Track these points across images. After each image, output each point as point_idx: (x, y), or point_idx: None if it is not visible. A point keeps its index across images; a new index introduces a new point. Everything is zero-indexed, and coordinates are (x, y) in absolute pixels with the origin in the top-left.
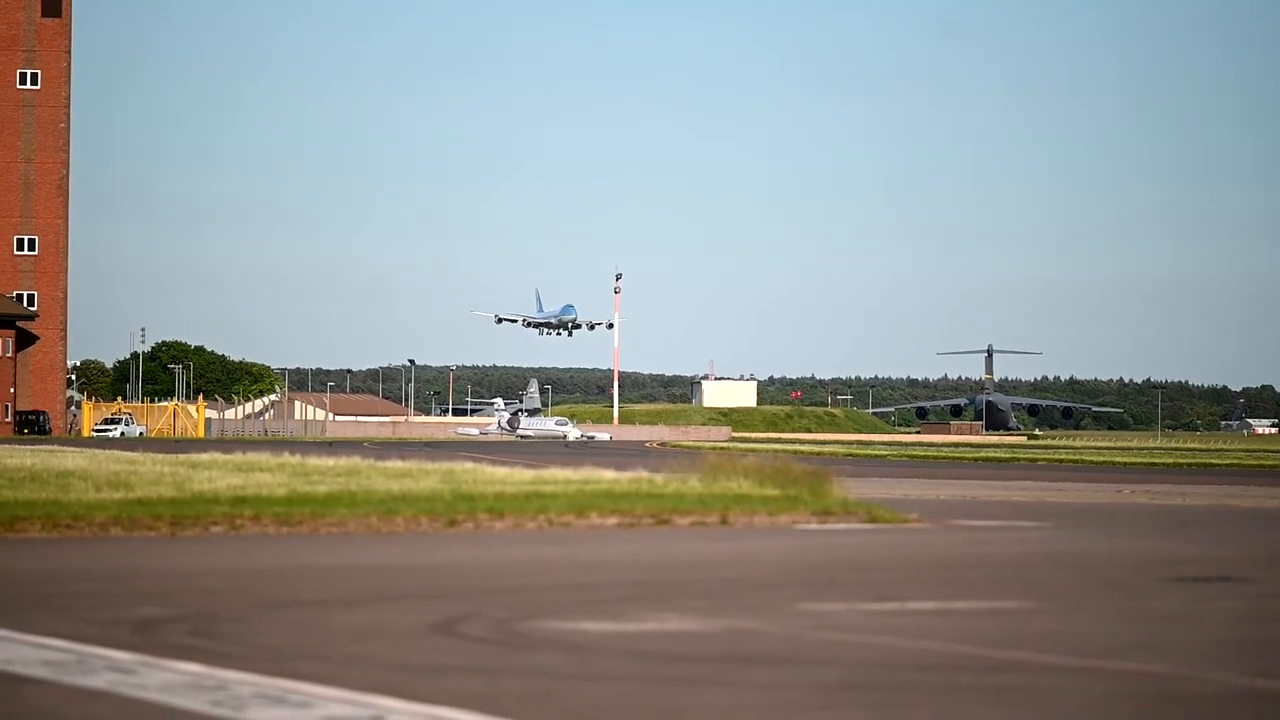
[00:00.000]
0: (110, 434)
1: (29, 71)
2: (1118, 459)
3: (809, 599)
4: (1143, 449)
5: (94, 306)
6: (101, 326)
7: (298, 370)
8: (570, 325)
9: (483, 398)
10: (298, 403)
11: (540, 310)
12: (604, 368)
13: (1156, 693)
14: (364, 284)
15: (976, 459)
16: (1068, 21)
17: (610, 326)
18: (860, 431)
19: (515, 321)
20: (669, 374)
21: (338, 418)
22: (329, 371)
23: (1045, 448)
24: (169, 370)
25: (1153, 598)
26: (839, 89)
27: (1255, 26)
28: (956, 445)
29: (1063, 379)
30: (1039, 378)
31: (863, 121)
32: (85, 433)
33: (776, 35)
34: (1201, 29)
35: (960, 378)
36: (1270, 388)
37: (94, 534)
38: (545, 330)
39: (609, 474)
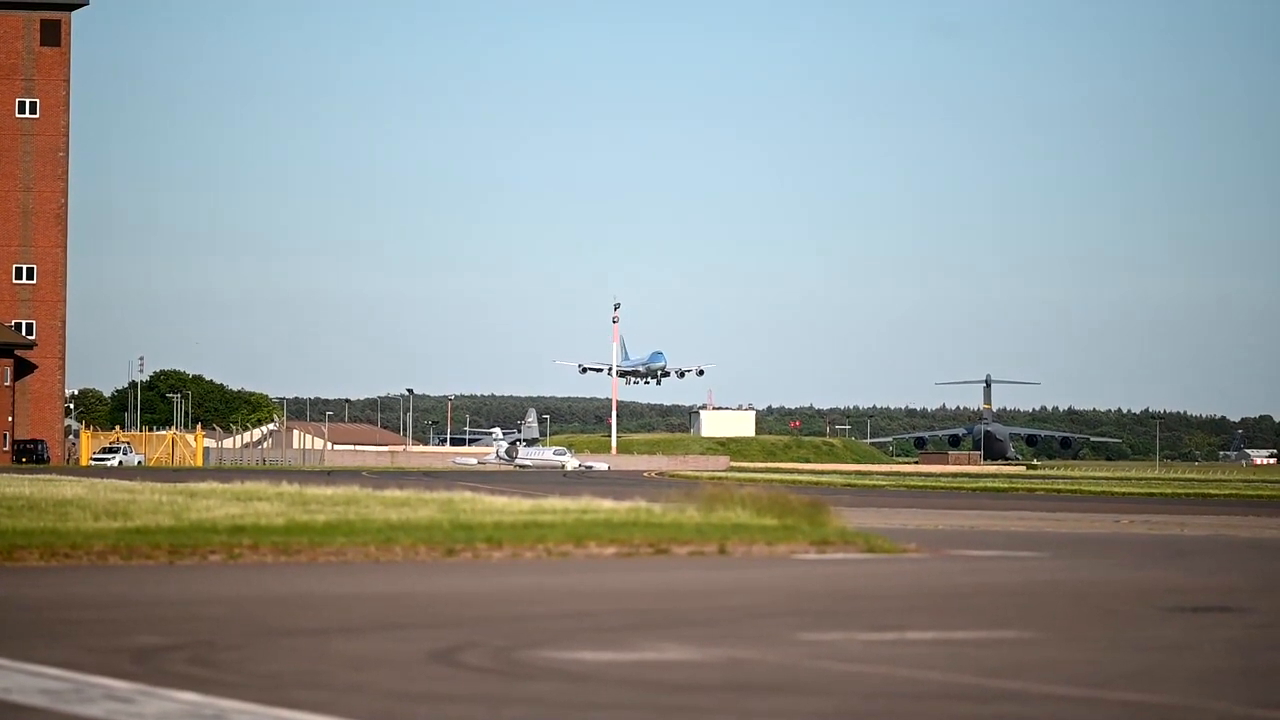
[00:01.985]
0: (108, 463)
1: (28, 100)
2: (1116, 489)
3: (807, 628)
4: (1141, 479)
5: (92, 335)
6: (100, 355)
7: (296, 399)
8: (660, 373)
9: (481, 427)
10: (296, 432)
11: (627, 358)
12: (602, 397)
13: None
14: (362, 313)
15: (975, 489)
16: (1069, 50)
17: (701, 373)
18: (858, 461)
19: (600, 371)
20: (667, 404)
21: (336, 447)
22: (327, 401)
23: (1043, 478)
24: (167, 399)
25: (1151, 627)
26: (839, 116)
27: (1258, 56)
28: (955, 475)
29: (1061, 409)
30: (1037, 408)
31: (862, 150)
32: (83, 461)
33: (774, 61)
34: (1200, 62)
35: (958, 408)
36: (1269, 418)
37: (92, 563)
38: (633, 380)
39: (607, 503)
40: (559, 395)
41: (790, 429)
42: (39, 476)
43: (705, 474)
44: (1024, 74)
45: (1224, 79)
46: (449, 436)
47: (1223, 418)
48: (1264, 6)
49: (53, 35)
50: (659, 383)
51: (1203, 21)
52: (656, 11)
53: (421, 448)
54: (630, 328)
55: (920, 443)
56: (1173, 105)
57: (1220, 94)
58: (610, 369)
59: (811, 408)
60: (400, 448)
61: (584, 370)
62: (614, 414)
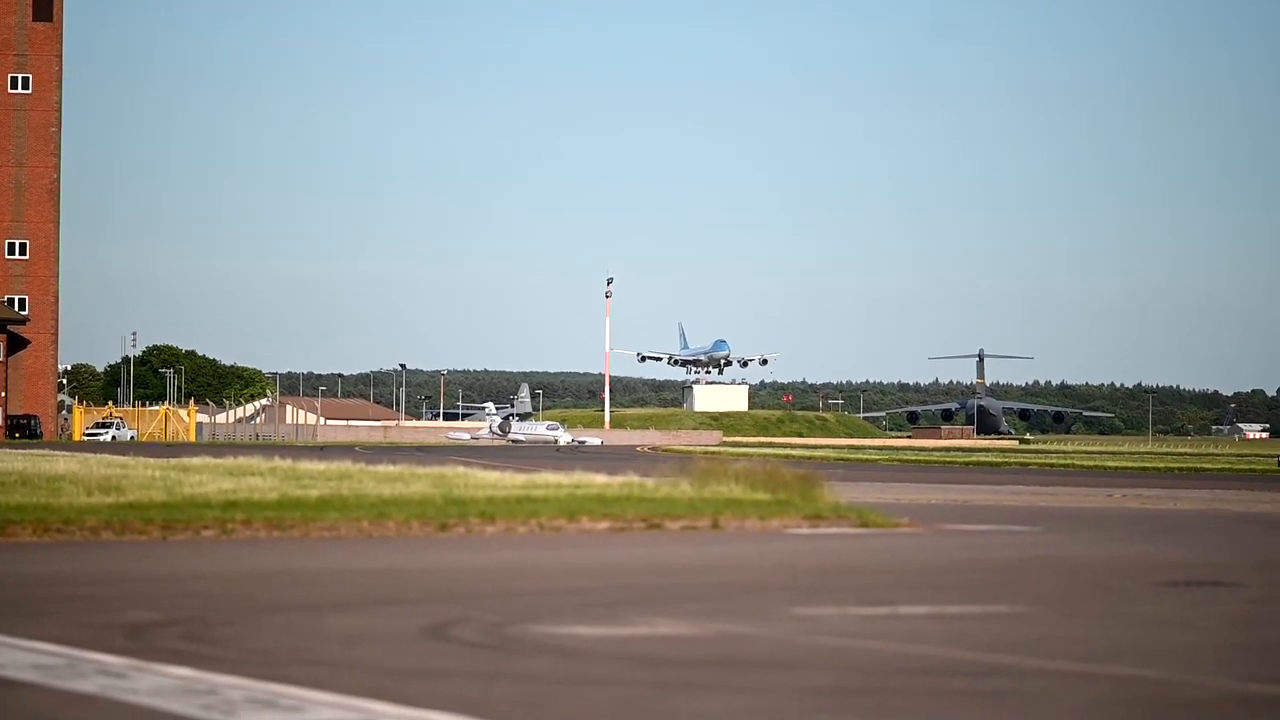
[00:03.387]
0: (101, 438)
1: (20, 76)
2: (1109, 463)
3: (800, 603)
4: (1134, 453)
5: (85, 310)
6: (93, 330)
7: (289, 374)
8: (723, 362)
9: (474, 402)
10: (289, 407)
11: (685, 346)
12: (595, 372)
13: (1149, 697)
14: (355, 288)
15: (968, 463)
16: (1060, 30)
17: (764, 362)
18: (851, 436)
19: (660, 360)
20: (660, 379)
21: (329, 422)
22: (320, 376)
23: (1036, 452)
24: (160, 374)
25: (1144, 602)
26: (832, 95)
27: (1249, 33)
28: (948, 450)
29: (1054, 384)
30: (1030, 382)
31: (854, 129)
32: (76, 437)
33: (770, 43)
34: (1193, 38)
35: (951, 382)
36: (1261, 392)
37: (85, 538)
38: (694, 369)
39: (600, 478)
40: (552, 370)
41: (783, 404)
42: (32, 452)
43: (698, 449)
44: (1016, 53)
45: (1218, 55)
46: (442, 411)
47: (1215, 392)
48: None
49: (45, 10)
50: (721, 372)
51: (1194, 2)
52: None
53: (414, 423)
54: (624, 303)
55: (913, 417)
56: (1165, 81)
57: (1212, 70)
58: (670, 358)
59: (804, 382)
60: (393, 423)
61: (643, 359)
62: (607, 389)
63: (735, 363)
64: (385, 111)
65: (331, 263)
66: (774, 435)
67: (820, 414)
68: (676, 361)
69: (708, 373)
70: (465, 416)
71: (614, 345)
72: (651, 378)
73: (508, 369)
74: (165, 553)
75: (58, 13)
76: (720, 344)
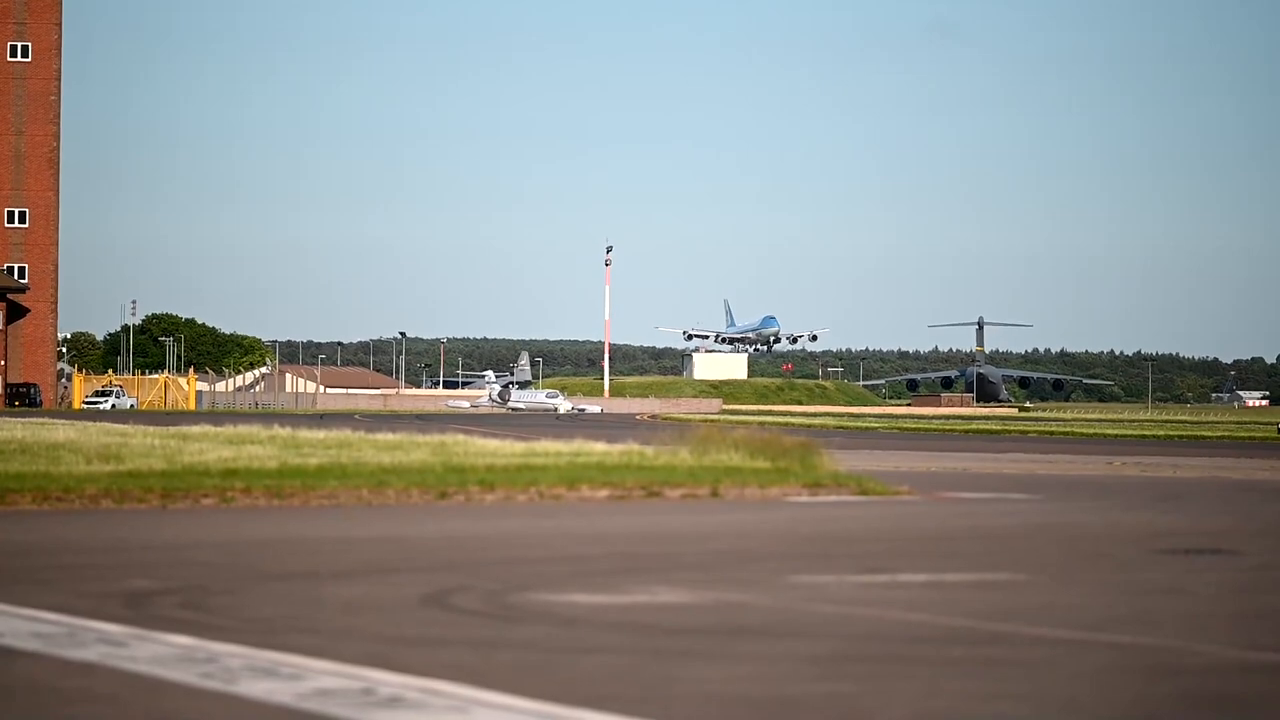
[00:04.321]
0: (101, 406)
1: (20, 44)
2: (1108, 431)
3: (799, 571)
4: (1133, 421)
5: (85, 279)
6: (92, 299)
7: (289, 343)
8: (772, 339)
9: (474, 370)
10: (288, 375)
11: (732, 324)
12: (595, 340)
13: (1147, 665)
14: (355, 256)
15: (967, 431)
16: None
17: (814, 339)
18: (851, 404)
19: (707, 338)
20: (660, 346)
21: (328, 390)
22: (320, 344)
23: (1036, 420)
24: (160, 343)
25: (1143, 570)
26: (829, 62)
27: (1248, 5)
28: (947, 418)
29: (1053, 351)
30: (1030, 350)
31: (852, 94)
32: (76, 405)
33: (765, 9)
34: (1189, 5)
35: (951, 350)
36: (1261, 360)
37: (84, 506)
38: (742, 346)
39: (600, 446)
40: (551, 338)
41: (782, 372)
42: (31, 420)
43: (698, 417)
44: (1014, 20)
45: (1215, 21)
46: (441, 379)
47: (1215, 360)
48: None
49: None
50: (769, 349)
51: None
52: None
53: (414, 391)
54: (623, 271)
55: (913, 385)
56: (1163, 47)
57: (1212, 36)
58: (717, 336)
59: (804, 351)
60: (393, 391)
61: (689, 337)
62: (606, 357)
63: (785, 339)
64: (386, 80)
65: (331, 231)
66: (774, 403)
67: (820, 382)
68: (724, 339)
69: (757, 350)
70: (465, 385)
71: (658, 322)
72: (651, 345)
73: (507, 337)
74: (165, 521)
75: None
76: (769, 320)
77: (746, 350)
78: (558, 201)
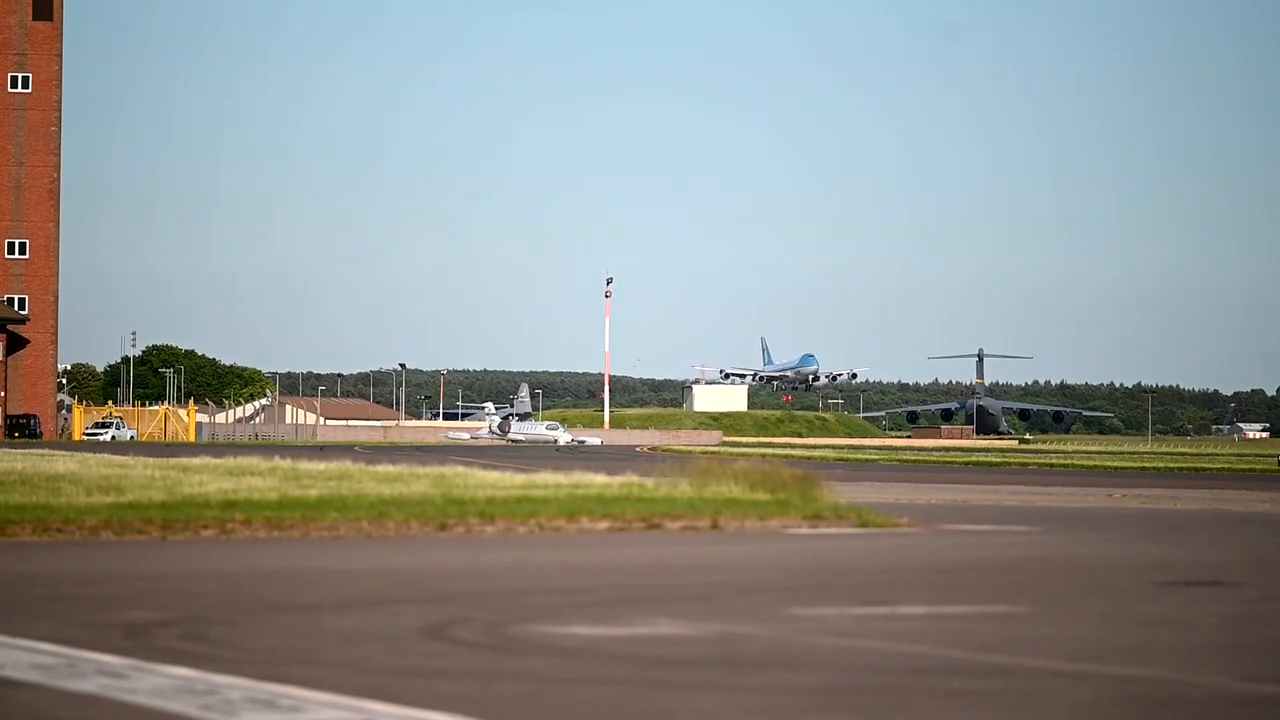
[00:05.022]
0: (101, 438)
1: (20, 75)
2: (1108, 463)
3: (799, 603)
4: (1133, 453)
5: (85, 310)
6: (92, 330)
7: (288, 374)
8: (811, 378)
9: (474, 402)
10: (288, 407)
11: (769, 361)
12: (595, 372)
13: (1148, 697)
14: (355, 288)
15: (967, 463)
16: (1060, 28)
17: (854, 377)
18: (851, 436)
19: (744, 377)
20: (660, 378)
21: (328, 422)
22: (320, 375)
23: (1036, 452)
24: (160, 374)
25: (1144, 602)
26: (831, 92)
27: (1250, 33)
28: (947, 449)
29: (1053, 383)
30: (1030, 382)
31: (853, 125)
32: (76, 436)
33: (766, 38)
34: (1193, 39)
35: (951, 382)
36: (1261, 391)
37: (85, 538)
38: (781, 385)
39: (600, 478)
40: (551, 370)
41: (783, 404)
42: (31, 451)
43: (698, 449)
44: (1016, 50)
45: (1217, 53)
46: (441, 411)
47: (1215, 392)
48: None
49: (45, 10)
50: (808, 389)
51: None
52: None
53: (414, 422)
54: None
55: (913, 417)
56: (1164, 79)
57: (1212, 68)
58: (755, 374)
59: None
60: (393, 422)
61: (726, 376)
62: (606, 389)
63: (825, 378)
64: (385, 111)
65: (331, 263)
66: (774, 435)
67: (820, 414)
68: (762, 378)
69: (794, 389)
70: (465, 416)
71: (697, 361)
72: (650, 377)
73: (507, 369)
74: (165, 552)
75: (58, 12)
76: (808, 359)
77: (784, 388)
78: (558, 233)
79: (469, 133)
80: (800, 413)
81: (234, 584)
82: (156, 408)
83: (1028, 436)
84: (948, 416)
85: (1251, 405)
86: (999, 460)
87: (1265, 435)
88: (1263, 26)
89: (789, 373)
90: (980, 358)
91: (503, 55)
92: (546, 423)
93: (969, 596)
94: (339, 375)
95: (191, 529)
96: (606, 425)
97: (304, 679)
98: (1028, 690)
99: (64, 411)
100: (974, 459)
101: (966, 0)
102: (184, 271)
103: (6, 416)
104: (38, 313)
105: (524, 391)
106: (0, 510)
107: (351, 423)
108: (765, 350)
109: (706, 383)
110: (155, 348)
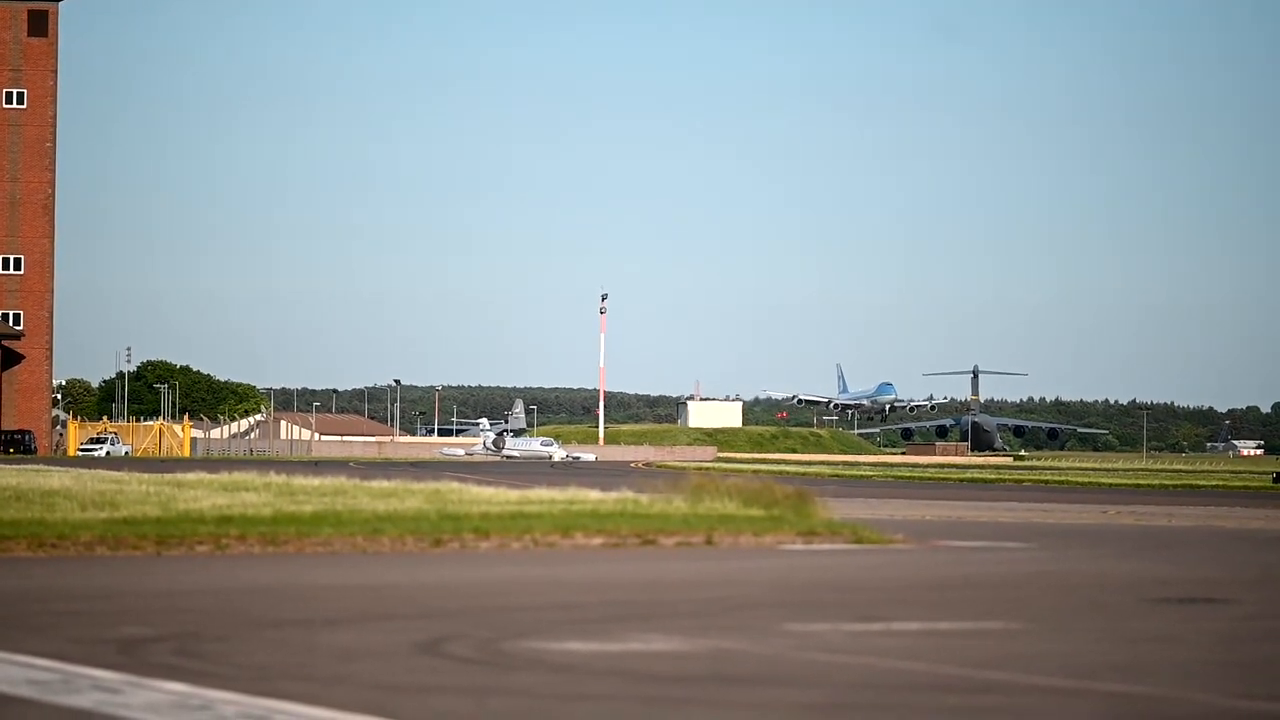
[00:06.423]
0: (96, 453)
1: (15, 91)
2: (1103, 480)
3: (794, 619)
4: (1128, 470)
5: (80, 326)
6: (87, 346)
7: (283, 390)
8: (888, 407)
9: (468, 418)
10: (283, 422)
11: (845, 389)
12: (589, 388)
13: (1141, 714)
14: (350, 304)
15: (962, 480)
16: (1057, 43)
17: (933, 408)
18: (846, 452)
19: (819, 404)
20: (654, 394)
21: (323, 437)
22: (315, 391)
23: (1031, 468)
24: (154, 390)
25: (1138, 619)
26: (826, 107)
27: (1249, 49)
28: (942, 466)
29: (1048, 400)
30: (1025, 399)
31: (849, 141)
32: (71, 452)
33: (761, 53)
34: (1190, 55)
35: (946, 398)
36: (1256, 409)
37: (79, 553)
38: (857, 415)
39: (594, 494)
40: (546, 386)
41: (777, 420)
42: (26, 467)
43: (692, 465)
44: (1013, 67)
45: (1215, 71)
46: (436, 427)
47: (1210, 409)
48: (1257, 3)
49: (40, 26)
50: (885, 419)
51: (1193, 19)
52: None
53: (409, 438)
54: (618, 320)
55: (907, 433)
56: (1161, 96)
57: (1209, 86)
58: (829, 402)
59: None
60: (387, 438)
61: (800, 402)
62: (601, 405)
63: (903, 407)
64: (379, 126)
65: (326, 278)
66: (768, 451)
67: (814, 430)
68: (838, 406)
69: (870, 419)
70: (459, 432)
71: (767, 387)
72: (646, 393)
73: (502, 385)
74: (159, 568)
75: (53, 28)
76: (885, 387)
77: (860, 418)
78: (553, 249)
79: (464, 148)
80: (795, 429)
81: (228, 600)
82: (151, 423)
83: (1023, 453)
84: (942, 433)
85: (1246, 422)
86: (994, 477)
87: (1260, 452)
88: (1262, 44)
89: (865, 401)
90: (975, 374)
91: (498, 70)
92: (541, 438)
93: (963, 613)
94: (334, 391)
95: (186, 545)
96: (601, 441)
97: (298, 694)
98: (1021, 707)
99: (59, 427)
100: (969, 475)
101: (965, 20)
102: (179, 287)
103: (1, 432)
104: (32, 328)
105: (518, 407)
106: None
107: (346, 439)
108: (841, 378)
109: (702, 399)
110: (150, 363)
